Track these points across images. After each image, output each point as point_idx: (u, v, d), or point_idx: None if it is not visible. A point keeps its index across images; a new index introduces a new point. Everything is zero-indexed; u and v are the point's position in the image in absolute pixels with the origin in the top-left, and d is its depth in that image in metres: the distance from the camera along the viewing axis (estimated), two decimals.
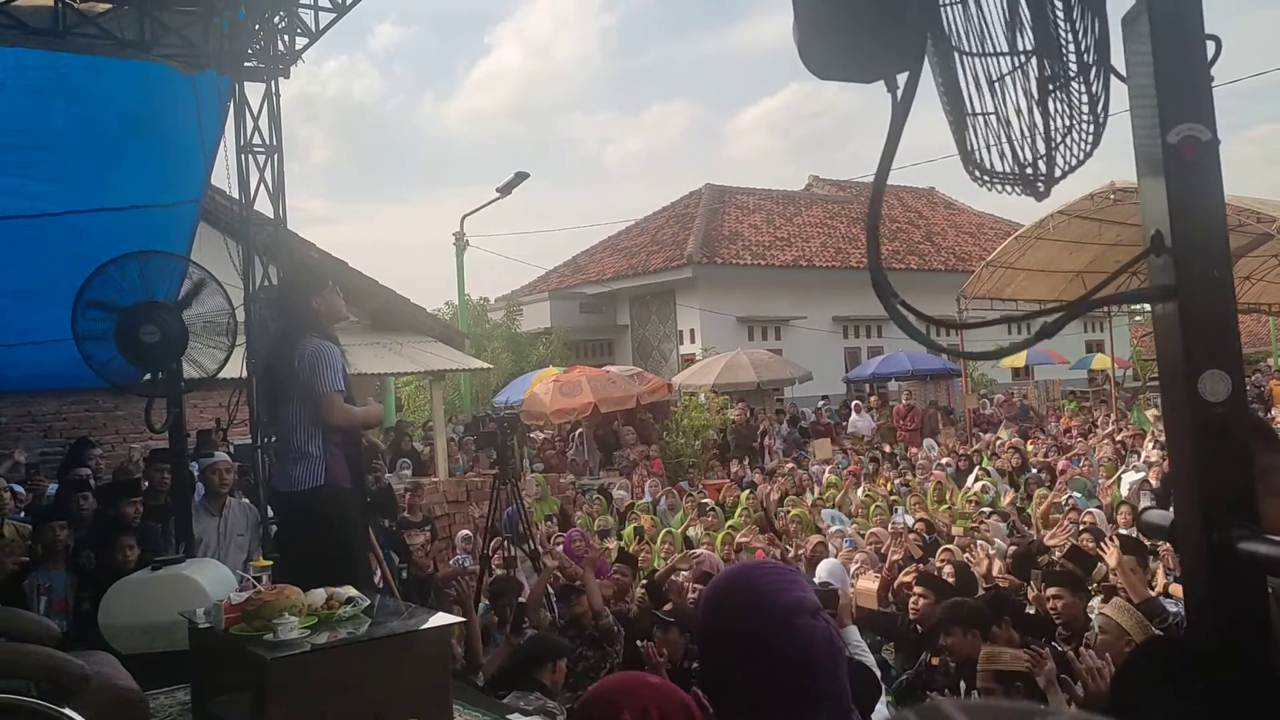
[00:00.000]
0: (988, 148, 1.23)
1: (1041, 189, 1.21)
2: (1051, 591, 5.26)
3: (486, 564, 7.18)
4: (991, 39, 1.21)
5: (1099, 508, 9.31)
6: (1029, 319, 1.46)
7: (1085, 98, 1.22)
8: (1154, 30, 1.09)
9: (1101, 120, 1.23)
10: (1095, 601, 5.45)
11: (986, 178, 1.22)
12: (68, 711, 3.06)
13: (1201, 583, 1.07)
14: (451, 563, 8.53)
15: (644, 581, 6.97)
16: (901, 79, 1.11)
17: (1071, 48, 1.19)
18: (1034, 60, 1.22)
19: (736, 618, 1.60)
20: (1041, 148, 1.24)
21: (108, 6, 6.41)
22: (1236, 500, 1.07)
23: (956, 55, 1.23)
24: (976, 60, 1.24)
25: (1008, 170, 1.20)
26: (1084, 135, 1.24)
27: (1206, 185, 1.11)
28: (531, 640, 5.64)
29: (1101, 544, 6.19)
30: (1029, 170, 1.23)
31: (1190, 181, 1.10)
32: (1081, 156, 1.19)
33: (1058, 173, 1.25)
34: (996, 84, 1.24)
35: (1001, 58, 1.23)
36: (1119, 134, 1.30)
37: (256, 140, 7.14)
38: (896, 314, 1.21)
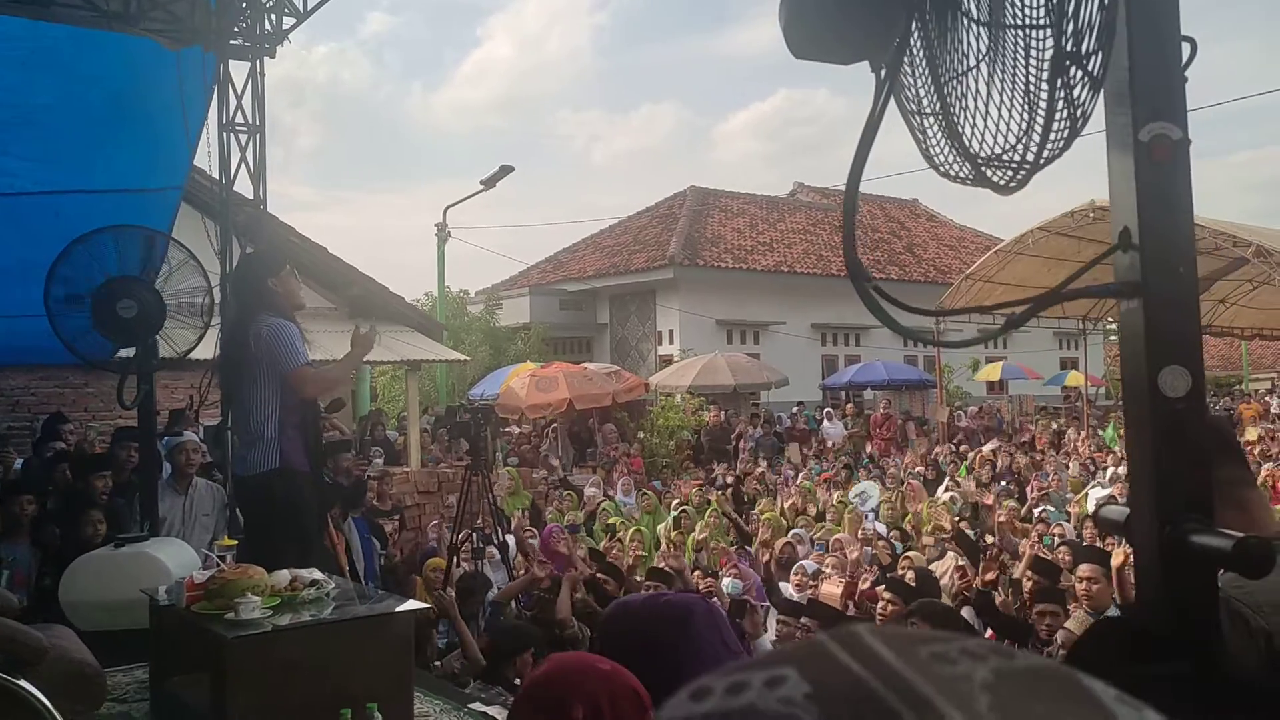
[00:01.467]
0: (970, 130, 1.21)
1: (1021, 176, 1.20)
2: (1040, 608, 5.29)
3: (455, 554, 7.16)
4: (1009, 7, 1.17)
5: (1068, 521, 9.40)
6: (997, 309, 1.46)
7: (1087, 80, 1.19)
8: (1130, 28, 1.10)
9: (1089, 108, 1.21)
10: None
11: (963, 163, 1.21)
12: (22, 683, 3.02)
13: (1154, 575, 1.09)
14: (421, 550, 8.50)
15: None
16: (888, 53, 1.11)
17: (1085, 24, 1.15)
18: (1045, 34, 1.18)
19: (615, 625, 1.78)
20: (1037, 131, 1.21)
21: None
22: (1191, 495, 1.08)
23: (964, 22, 1.19)
24: (981, 30, 1.20)
25: (989, 154, 1.19)
26: (1073, 121, 1.22)
27: (1175, 184, 1.12)
28: (499, 631, 5.63)
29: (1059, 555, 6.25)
30: (1012, 155, 1.22)
31: (1160, 180, 1.12)
32: (1062, 146, 1.18)
33: (1043, 159, 1.23)
34: (997, 59, 1.21)
35: (1013, 30, 1.20)
36: (1101, 151, 1.29)
37: (239, 119, 7.09)
38: (868, 297, 1.22)
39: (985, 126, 1.20)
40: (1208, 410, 1.18)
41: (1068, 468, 13.23)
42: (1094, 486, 11.05)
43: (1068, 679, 0.36)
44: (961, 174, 1.21)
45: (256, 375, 4.56)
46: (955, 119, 1.19)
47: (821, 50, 1.14)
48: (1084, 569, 5.46)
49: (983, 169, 1.19)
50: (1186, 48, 1.12)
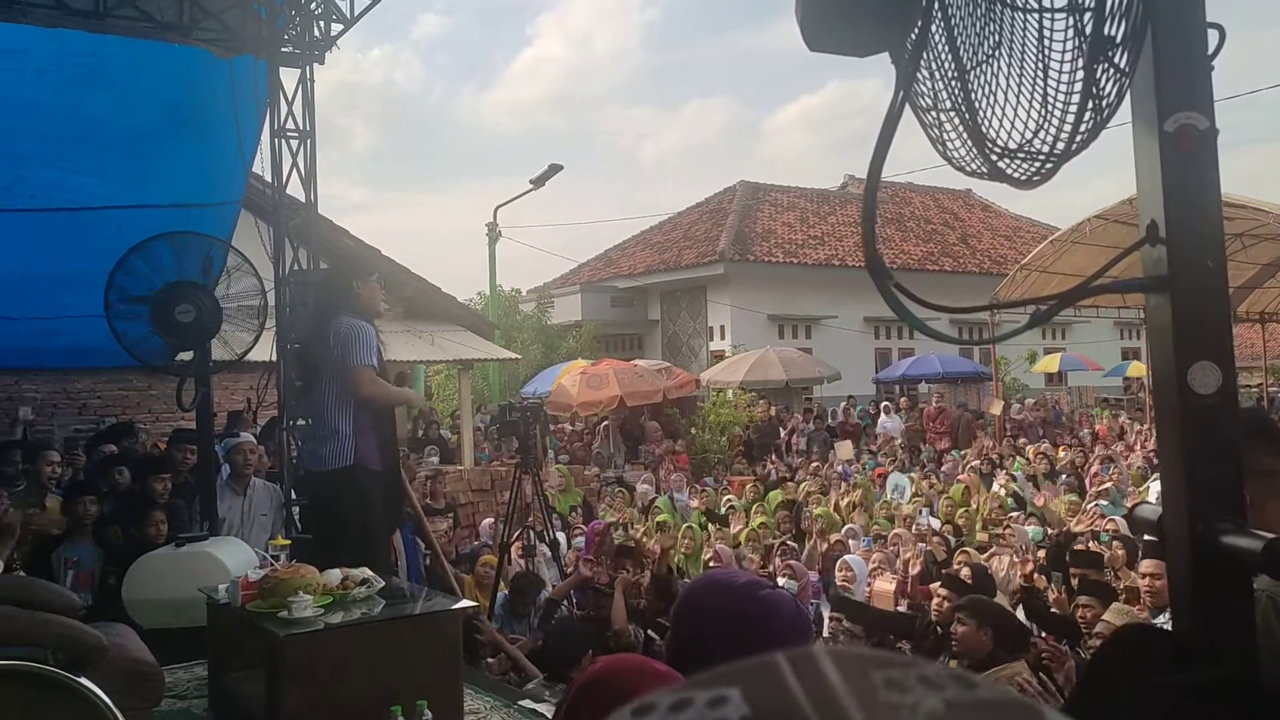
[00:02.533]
0: (992, 122, 1.18)
1: (1047, 169, 1.18)
2: (1082, 600, 5.20)
3: (506, 552, 7.22)
4: None
5: (1124, 516, 9.20)
6: (1023, 304, 1.43)
7: (1114, 71, 1.15)
8: (1154, 16, 1.07)
9: (1117, 98, 1.17)
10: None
11: (982, 156, 1.19)
12: (83, 681, 3.11)
13: (1186, 577, 1.06)
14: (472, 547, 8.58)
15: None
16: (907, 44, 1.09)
17: (1115, 8, 1.10)
18: (1083, 18, 1.14)
19: (705, 598, 1.79)
20: (1070, 119, 1.17)
21: None
22: (1222, 494, 1.05)
23: (987, 6, 1.17)
24: (1018, 15, 1.17)
25: (1012, 146, 1.17)
26: (1098, 112, 1.18)
27: (1203, 174, 1.09)
28: (561, 633, 5.62)
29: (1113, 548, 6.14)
30: (1037, 147, 1.19)
31: (1186, 171, 1.09)
32: (1088, 137, 1.15)
33: (1071, 149, 1.20)
34: (1021, 45, 1.17)
35: (1051, 14, 1.16)
36: None
37: (290, 125, 7.19)
38: (890, 295, 1.20)
39: (1007, 117, 1.17)
40: (1239, 406, 1.14)
41: (1128, 461, 12.95)
42: (1156, 479, 10.80)
43: (1025, 714, 0.35)
44: (980, 169, 1.19)
45: (333, 372, 4.65)
46: (977, 109, 1.17)
47: (837, 42, 1.13)
48: (1146, 565, 5.33)
49: (1000, 162, 1.16)
50: (1214, 35, 1.09)
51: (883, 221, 28.07)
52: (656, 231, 28.98)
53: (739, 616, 1.70)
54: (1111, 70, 1.10)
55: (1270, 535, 0.97)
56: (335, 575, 3.83)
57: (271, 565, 3.95)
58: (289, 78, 7.22)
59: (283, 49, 7.14)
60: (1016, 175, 1.17)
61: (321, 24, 7.15)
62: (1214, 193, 1.10)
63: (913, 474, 12.99)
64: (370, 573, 3.94)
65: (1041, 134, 1.16)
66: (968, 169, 1.21)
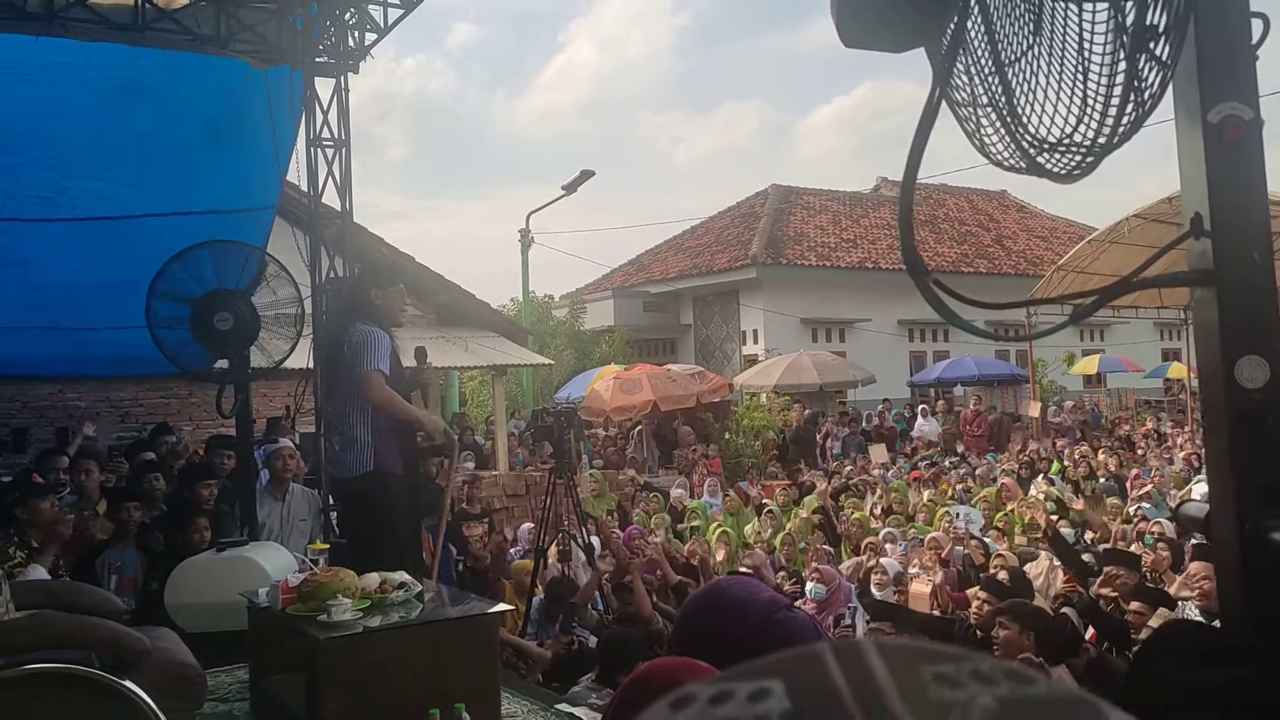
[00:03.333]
0: (1032, 115, 1.16)
1: (1089, 162, 1.15)
2: (1134, 607, 5.13)
3: (542, 556, 7.24)
4: None
5: (1169, 518, 9.06)
6: (1062, 300, 1.42)
7: (1159, 60, 1.13)
8: (1197, 5, 1.06)
9: (1159, 88, 1.15)
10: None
11: (1022, 150, 1.17)
12: (127, 683, 3.15)
13: (1234, 573, 1.04)
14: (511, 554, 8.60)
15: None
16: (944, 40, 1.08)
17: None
18: (1124, 7, 1.12)
19: (717, 619, 1.59)
20: (1111, 111, 1.15)
21: (186, 2, 6.60)
22: (1271, 490, 1.04)
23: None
24: (1058, 6, 1.15)
25: (1053, 139, 1.15)
26: (1140, 104, 1.16)
27: (1248, 166, 1.07)
28: (610, 640, 5.58)
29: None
30: (1082, 139, 1.16)
31: (1231, 163, 1.07)
32: (1130, 128, 1.13)
33: (1114, 141, 1.17)
34: (1062, 37, 1.15)
35: (1092, 3, 1.14)
36: None
37: (325, 134, 7.29)
38: (929, 292, 1.19)
39: (1047, 111, 1.16)
40: None
41: (1170, 462, 12.75)
42: (1198, 482, 10.62)
43: (1087, 713, 0.34)
44: (1019, 164, 1.18)
45: (350, 380, 4.69)
46: (1016, 104, 1.16)
47: (873, 38, 1.13)
48: (1195, 567, 5.25)
49: (1040, 157, 1.15)
50: (1258, 24, 1.08)
51: (916, 224, 27.77)
52: (689, 236, 28.97)
53: (753, 646, 1.61)
54: (1153, 61, 1.09)
55: None
56: (373, 579, 3.87)
57: (311, 569, 3.99)
58: (324, 87, 7.32)
59: (318, 59, 7.24)
60: (1056, 170, 1.16)
61: (355, 34, 7.24)
62: (1260, 185, 1.08)
63: (949, 478, 12.86)
64: (408, 577, 3.97)
65: (1082, 127, 1.14)
66: (1006, 164, 1.20)
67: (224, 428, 8.86)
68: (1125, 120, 1.12)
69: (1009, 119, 1.14)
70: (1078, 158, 1.19)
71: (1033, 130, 1.15)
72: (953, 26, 1.12)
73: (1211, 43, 1.08)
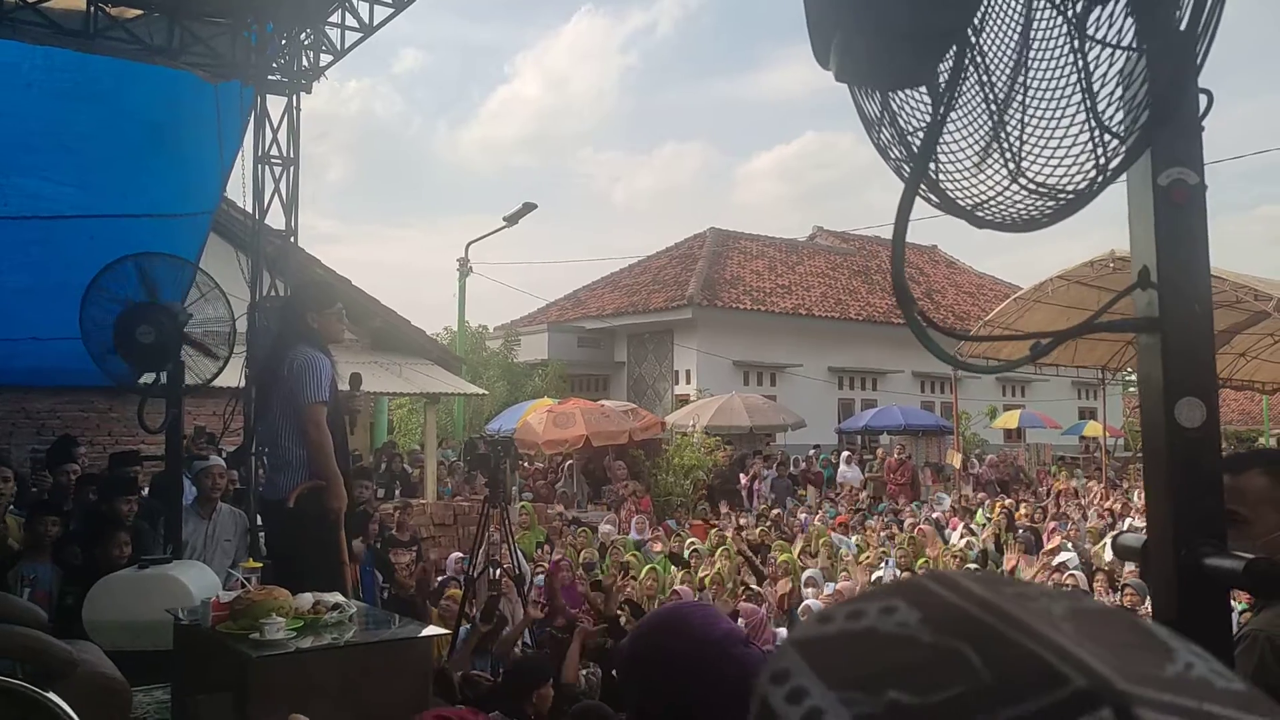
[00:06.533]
0: (1037, 155, 1.22)
1: (1077, 202, 1.21)
2: None
3: (471, 586, 7.18)
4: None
5: (1080, 568, 9.36)
6: (1027, 337, 1.51)
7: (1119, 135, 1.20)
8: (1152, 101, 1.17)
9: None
10: None
11: (1026, 192, 1.23)
12: (51, 695, 3.08)
13: (1169, 598, 1.14)
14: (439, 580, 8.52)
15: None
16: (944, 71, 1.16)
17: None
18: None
19: (675, 643, 1.56)
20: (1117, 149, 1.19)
21: (139, 13, 6.54)
22: (1205, 520, 1.14)
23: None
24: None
25: (1055, 183, 1.22)
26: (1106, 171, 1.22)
27: (1193, 226, 1.19)
28: (519, 663, 5.63)
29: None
30: (1068, 184, 1.23)
31: (1177, 222, 1.18)
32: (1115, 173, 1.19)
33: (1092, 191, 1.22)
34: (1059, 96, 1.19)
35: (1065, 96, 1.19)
36: (1123, 204, 1.31)
37: (274, 152, 7.25)
38: (915, 323, 1.28)
39: (1043, 153, 1.23)
40: (1220, 440, 1.23)
41: (1085, 517, 13.16)
42: (1115, 535, 10.97)
43: (1131, 618, 0.43)
44: (977, 205, 1.26)
45: (287, 402, 4.64)
46: (1014, 147, 1.24)
47: (868, 74, 1.21)
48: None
49: (1032, 198, 1.22)
50: (1204, 99, 1.19)
51: (849, 274, 28.47)
52: (626, 274, 29.16)
53: (710, 672, 1.52)
54: (1115, 138, 1.19)
55: (1249, 556, 1.05)
56: (307, 599, 3.82)
57: (244, 587, 3.93)
58: (274, 105, 7.29)
59: (270, 76, 7.21)
60: (1042, 214, 1.25)
61: (310, 54, 7.24)
62: (1202, 242, 1.19)
63: (871, 522, 13.09)
64: (342, 598, 3.93)
65: (1072, 173, 1.23)
66: (961, 205, 1.29)
67: (146, 443, 8.67)
68: (1095, 177, 1.22)
69: (1009, 157, 1.22)
70: (1053, 204, 1.27)
71: (1034, 174, 1.24)
72: (949, 66, 1.20)
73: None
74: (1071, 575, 8.75)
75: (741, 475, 17.22)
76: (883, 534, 12.08)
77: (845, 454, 19.54)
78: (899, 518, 13.51)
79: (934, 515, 13.61)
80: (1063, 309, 16.07)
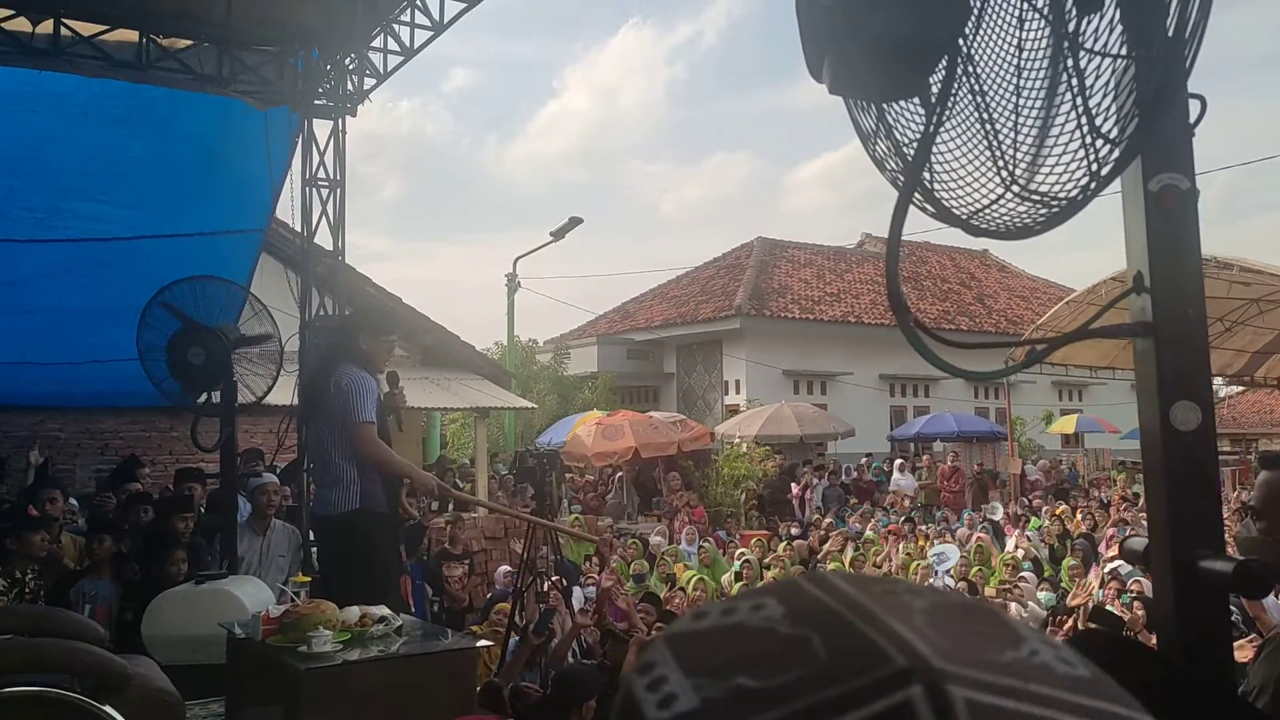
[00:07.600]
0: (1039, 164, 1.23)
1: (1057, 215, 1.23)
2: None
3: (520, 599, 7.24)
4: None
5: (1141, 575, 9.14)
6: (1023, 344, 1.52)
7: (1112, 141, 1.22)
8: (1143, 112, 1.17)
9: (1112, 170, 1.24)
10: None
11: (1030, 203, 1.24)
12: (107, 709, 3.18)
13: (1168, 599, 1.14)
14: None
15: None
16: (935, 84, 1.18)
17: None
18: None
19: None
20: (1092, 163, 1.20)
21: (189, 44, 6.74)
22: (1202, 522, 1.14)
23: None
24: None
25: (1048, 190, 1.23)
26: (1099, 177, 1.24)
27: (1184, 231, 1.19)
28: (562, 678, 5.67)
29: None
30: (1079, 188, 1.23)
31: (1169, 227, 1.19)
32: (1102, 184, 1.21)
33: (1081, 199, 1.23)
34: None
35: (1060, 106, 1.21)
36: None
37: (321, 175, 7.41)
38: (910, 332, 1.29)
39: (1041, 162, 1.24)
40: (1215, 443, 1.23)
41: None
42: (1122, 540, 10.72)
43: (991, 611, 0.45)
44: (968, 214, 1.28)
45: (334, 419, 4.73)
46: (1007, 155, 1.25)
47: (860, 87, 1.23)
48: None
49: (1023, 205, 1.23)
50: (1196, 105, 1.20)
51: (900, 280, 28.21)
52: (674, 285, 29.19)
53: None
54: (1108, 144, 1.20)
55: (1240, 558, 1.05)
56: (354, 613, 3.90)
57: (293, 601, 4.02)
58: (321, 129, 7.46)
59: (316, 102, 7.38)
60: (1033, 221, 1.26)
61: (355, 79, 7.39)
62: (1194, 247, 1.20)
63: (924, 529, 12.94)
64: (388, 611, 4.01)
65: (1066, 181, 1.24)
66: (955, 214, 1.30)
67: (205, 462, 8.89)
68: (1081, 190, 1.23)
69: (1001, 163, 1.24)
70: (1045, 211, 1.29)
71: (1023, 181, 1.25)
72: (942, 77, 1.22)
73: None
74: (1136, 582, 8.54)
75: (793, 485, 17.13)
76: (937, 542, 11.94)
77: (899, 462, 19.34)
78: (950, 525, 13.34)
79: (989, 521, 13.42)
80: (1118, 310, 15.76)
